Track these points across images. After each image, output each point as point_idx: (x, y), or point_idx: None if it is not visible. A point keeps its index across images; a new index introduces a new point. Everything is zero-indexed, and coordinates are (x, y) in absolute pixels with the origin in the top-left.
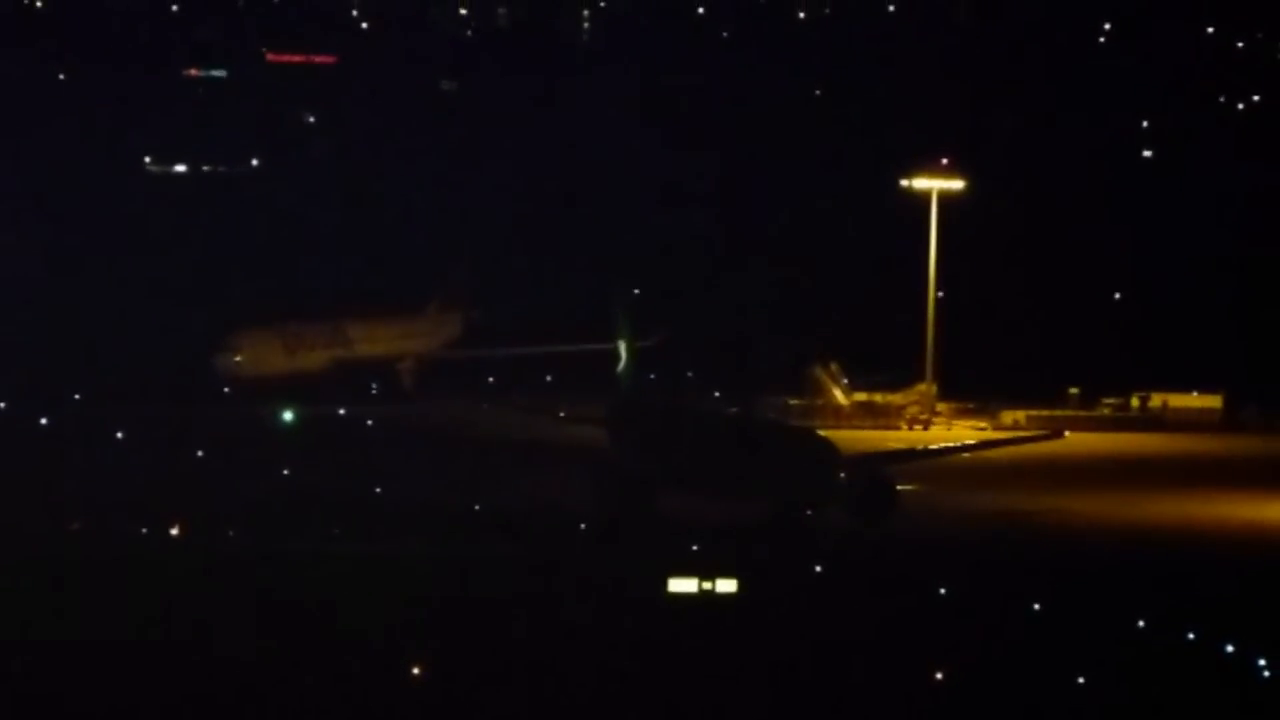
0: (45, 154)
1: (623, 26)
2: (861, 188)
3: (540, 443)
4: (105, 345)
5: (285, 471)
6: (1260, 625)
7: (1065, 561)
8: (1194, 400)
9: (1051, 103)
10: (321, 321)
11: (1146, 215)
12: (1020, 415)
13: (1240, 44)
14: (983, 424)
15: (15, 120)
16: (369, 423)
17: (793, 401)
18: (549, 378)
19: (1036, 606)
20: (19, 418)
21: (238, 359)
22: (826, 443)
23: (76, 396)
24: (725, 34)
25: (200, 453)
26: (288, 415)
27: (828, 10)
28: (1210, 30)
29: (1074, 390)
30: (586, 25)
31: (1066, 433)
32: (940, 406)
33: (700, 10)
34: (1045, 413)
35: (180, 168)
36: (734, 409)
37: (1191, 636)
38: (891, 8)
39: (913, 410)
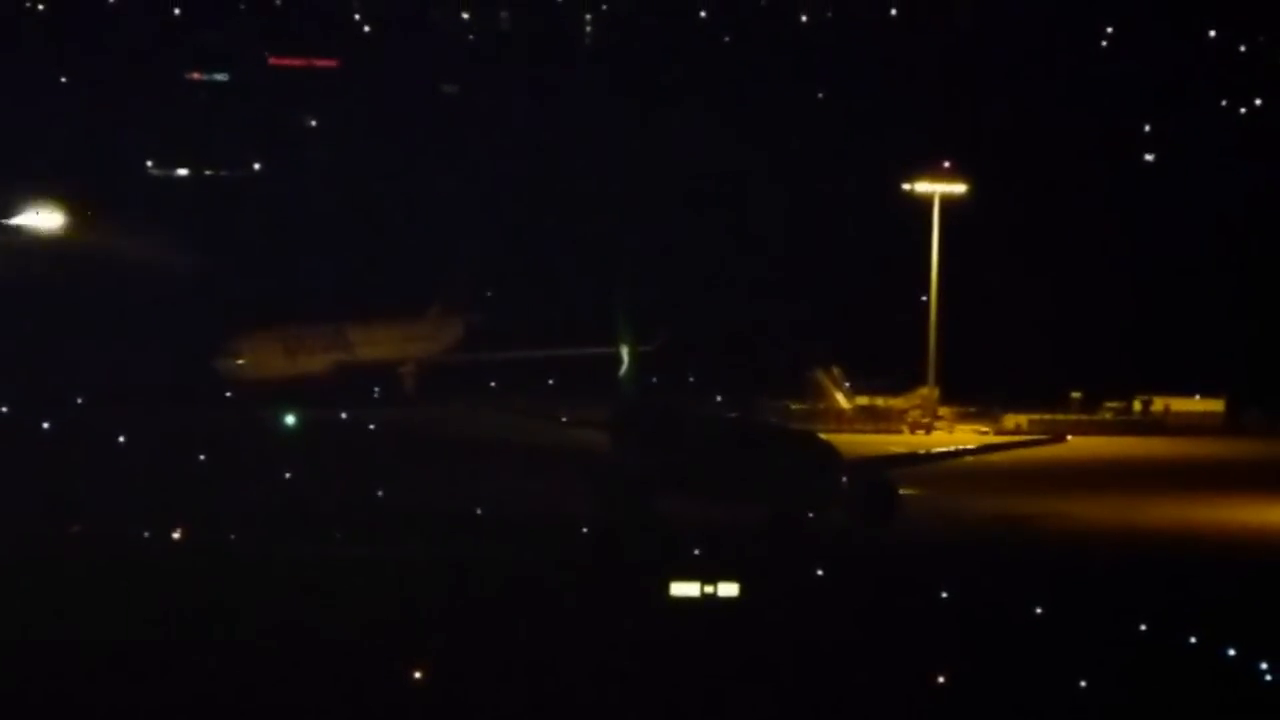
0: (47, 157)
1: (624, 29)
2: (863, 191)
3: (542, 446)
4: (107, 348)
5: (287, 475)
6: (1262, 629)
7: (1067, 565)
8: (1196, 404)
9: (1053, 106)
10: (323, 325)
11: (1148, 218)
12: (1022, 419)
13: (1242, 47)
14: (985, 428)
15: (17, 123)
16: (370, 426)
17: (794, 405)
18: (550, 382)
19: (1038, 610)
20: (21, 420)
21: (239, 362)
22: (828, 446)
23: (78, 399)
24: (727, 37)
25: (202, 456)
26: (289, 418)
27: (829, 13)
28: (1211, 33)
29: (1076, 394)
30: (588, 28)
31: (1068, 437)
32: (942, 410)
33: (702, 13)
34: (1047, 416)
35: (182, 171)
36: (735, 413)
37: (1193, 640)
38: (893, 11)
39: (914, 414)
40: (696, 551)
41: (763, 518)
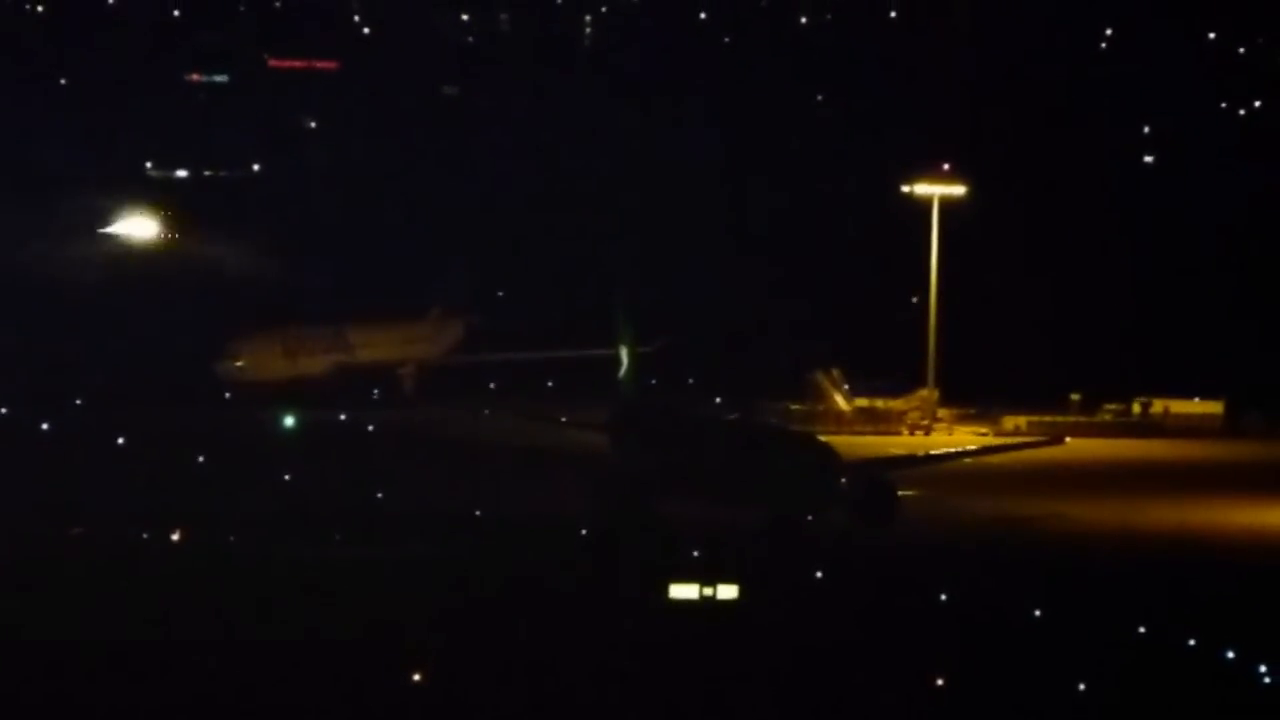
0: (47, 158)
1: (624, 31)
2: (863, 192)
3: (541, 448)
4: (107, 349)
5: (286, 476)
6: (1261, 631)
7: (1065, 567)
8: (1195, 406)
9: (1053, 108)
10: (323, 326)
11: (1148, 220)
12: (1021, 421)
13: (1241, 50)
14: (984, 429)
15: (17, 124)
16: (370, 428)
17: (794, 407)
18: (550, 383)
19: (1037, 612)
20: (20, 422)
21: (239, 364)
22: (828, 448)
23: (78, 401)
24: (727, 39)
25: (201, 457)
26: (289, 420)
27: (829, 15)
28: (1211, 36)
29: (1075, 396)
30: (588, 30)
31: (1067, 438)
32: (941, 412)
33: (702, 15)
34: (1046, 418)
35: (182, 172)
36: (735, 414)
37: (1192, 642)
38: (893, 13)
39: (914, 416)
40: (696, 553)
41: (762, 519)
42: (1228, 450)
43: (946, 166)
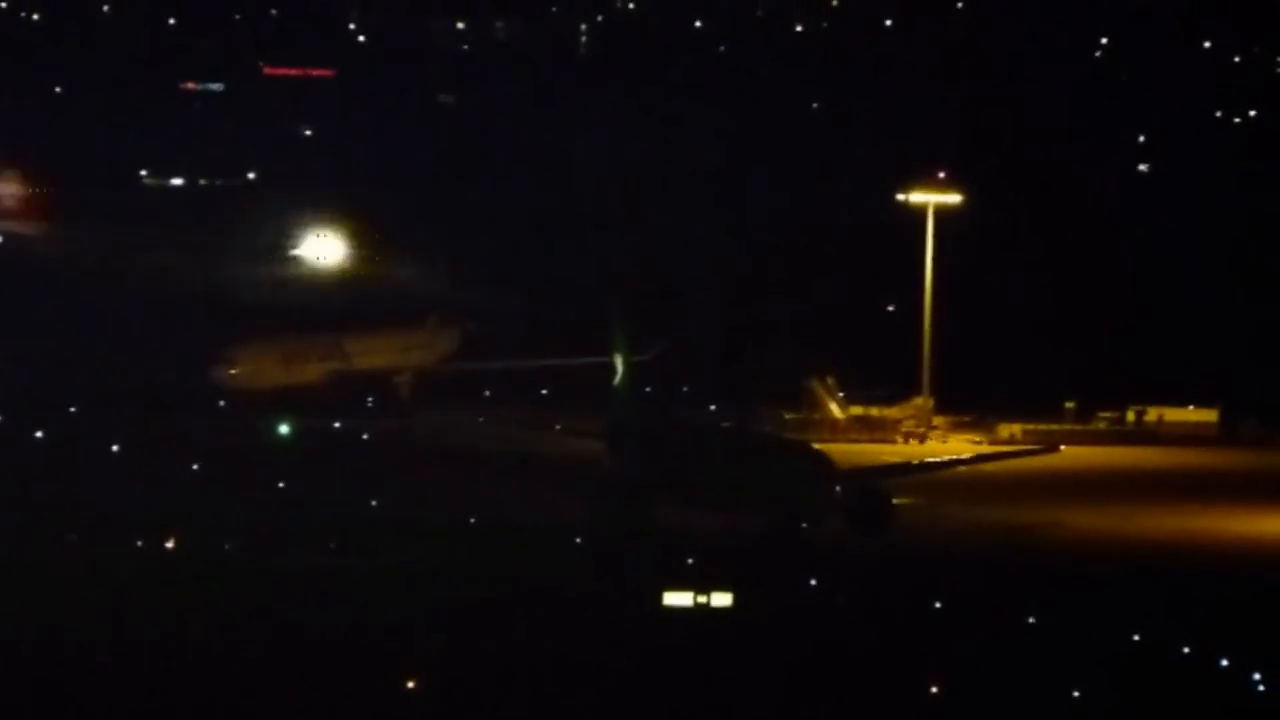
0: (43, 166)
1: (620, 40)
2: (858, 200)
3: (537, 456)
4: (102, 357)
5: (281, 484)
6: (1256, 639)
7: (1060, 575)
8: (1190, 414)
9: (1048, 116)
10: (318, 334)
11: (1143, 228)
12: (1016, 429)
13: (1237, 58)
14: (979, 438)
15: (13, 133)
16: (365, 436)
17: (789, 415)
18: (545, 391)
19: (1032, 620)
20: (15, 429)
21: (235, 371)
22: (823, 456)
23: (72, 408)
24: (722, 47)
25: (196, 465)
26: (284, 428)
27: (825, 23)
28: (1207, 44)
29: (1070, 404)
30: (584, 39)
31: (1062, 446)
32: (936, 420)
33: (698, 24)
34: (1041, 426)
35: (177, 181)
36: (730, 422)
37: (1186, 650)
38: (888, 21)
39: (909, 424)
40: (690, 561)
41: (757, 527)
42: (1223, 458)
43: (942, 174)
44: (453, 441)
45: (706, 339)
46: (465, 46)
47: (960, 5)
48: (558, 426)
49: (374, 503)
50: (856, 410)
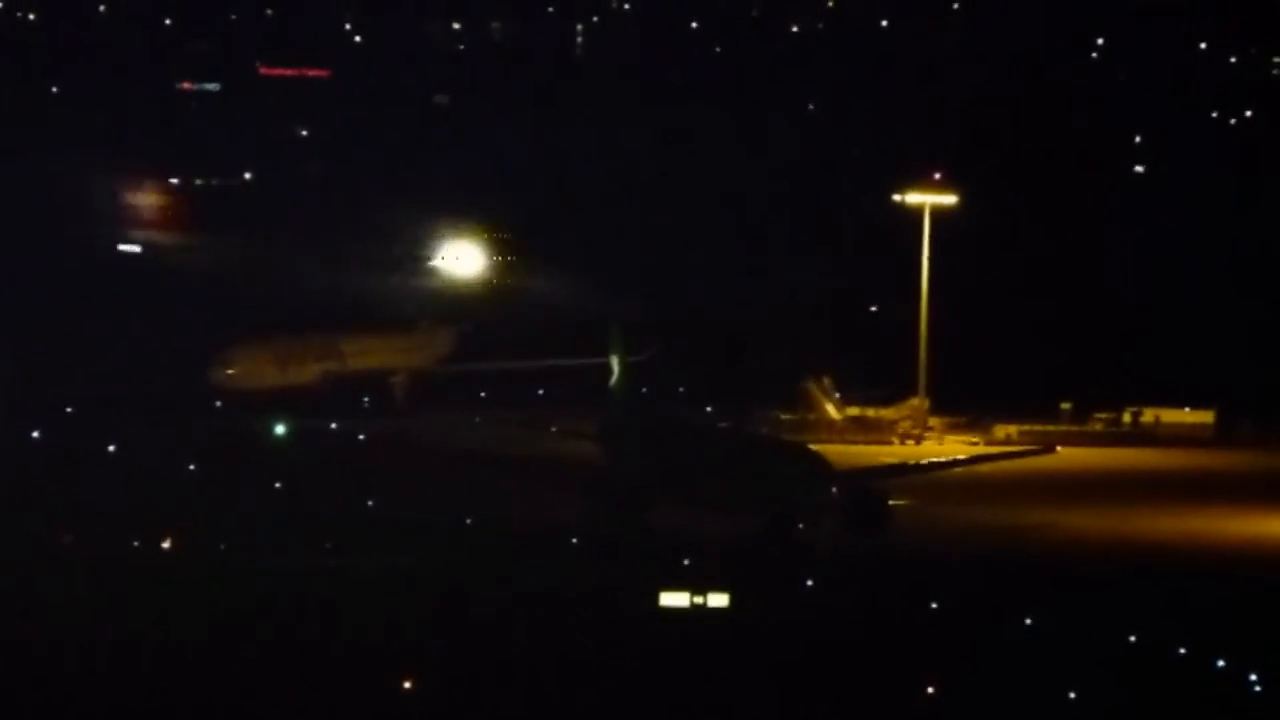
0: (38, 166)
1: (616, 40)
2: (854, 200)
3: (533, 457)
4: (98, 358)
5: (277, 485)
6: (1252, 640)
7: (1057, 576)
8: (1186, 415)
9: (1044, 116)
10: (314, 335)
11: (1139, 229)
12: (1012, 430)
13: (1233, 59)
14: (975, 439)
15: (8, 132)
16: (361, 436)
17: (785, 416)
18: (541, 392)
19: (1028, 621)
20: (11, 430)
21: (230, 372)
22: (819, 457)
23: (69, 409)
24: (718, 48)
25: (192, 466)
26: (280, 428)
27: (821, 24)
28: (1203, 45)
29: (1066, 405)
30: (580, 39)
31: (1058, 448)
32: (932, 421)
33: (694, 25)
34: (1037, 427)
35: (173, 180)
36: (726, 423)
37: (1183, 651)
38: (884, 22)
39: (905, 425)
40: (686, 561)
41: (754, 528)
42: (1219, 459)
43: (938, 175)
44: (449, 442)
45: (703, 339)
46: (461, 47)
47: (956, 6)
48: (554, 428)
49: (370, 503)
50: (853, 411)
